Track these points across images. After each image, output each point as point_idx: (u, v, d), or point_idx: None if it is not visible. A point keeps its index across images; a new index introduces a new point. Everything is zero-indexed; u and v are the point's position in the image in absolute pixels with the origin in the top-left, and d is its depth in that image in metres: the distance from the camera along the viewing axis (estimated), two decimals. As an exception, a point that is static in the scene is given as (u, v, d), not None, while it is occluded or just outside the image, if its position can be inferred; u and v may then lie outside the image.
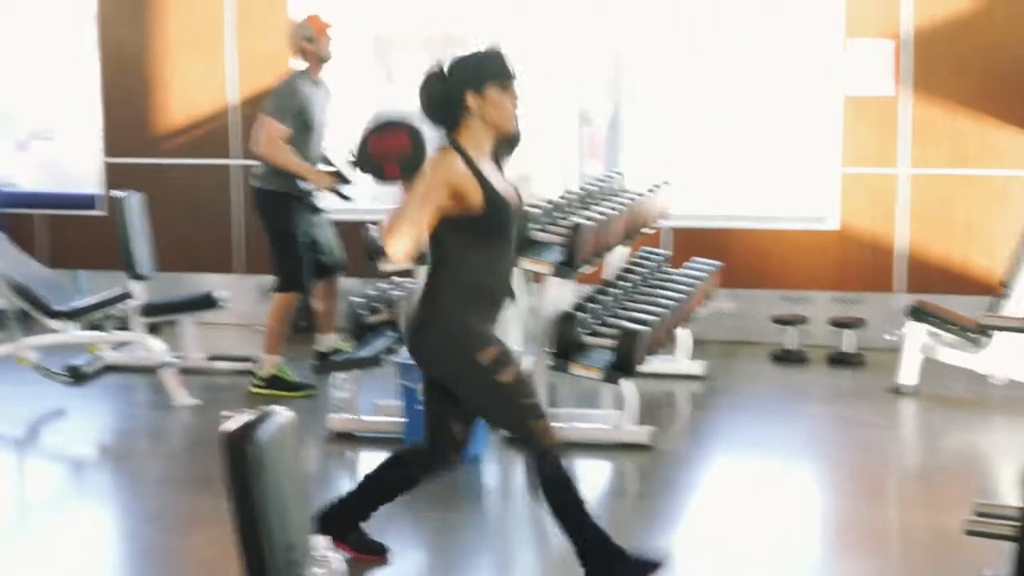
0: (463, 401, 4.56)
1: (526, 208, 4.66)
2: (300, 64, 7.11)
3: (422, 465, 4.72)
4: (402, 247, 4.28)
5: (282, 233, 7.07)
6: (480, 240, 4.44)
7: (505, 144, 4.70)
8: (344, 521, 4.74)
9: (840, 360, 7.87)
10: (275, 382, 7.12)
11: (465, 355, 4.43)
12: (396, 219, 4.30)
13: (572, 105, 7.77)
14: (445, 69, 4.44)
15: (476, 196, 4.36)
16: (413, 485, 4.77)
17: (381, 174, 4.46)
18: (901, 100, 8.05)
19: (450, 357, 4.47)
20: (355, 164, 4.62)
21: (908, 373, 7.14)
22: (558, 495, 4.49)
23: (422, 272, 6.39)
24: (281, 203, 7.03)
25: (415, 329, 4.52)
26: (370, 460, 5.85)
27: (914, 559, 5.03)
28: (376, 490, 4.78)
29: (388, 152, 4.44)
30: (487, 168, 4.45)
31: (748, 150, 8.76)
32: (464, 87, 4.40)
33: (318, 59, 7.07)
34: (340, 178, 7.05)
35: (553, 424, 4.55)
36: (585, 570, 4.49)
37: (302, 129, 6.97)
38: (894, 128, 8.07)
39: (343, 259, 7.36)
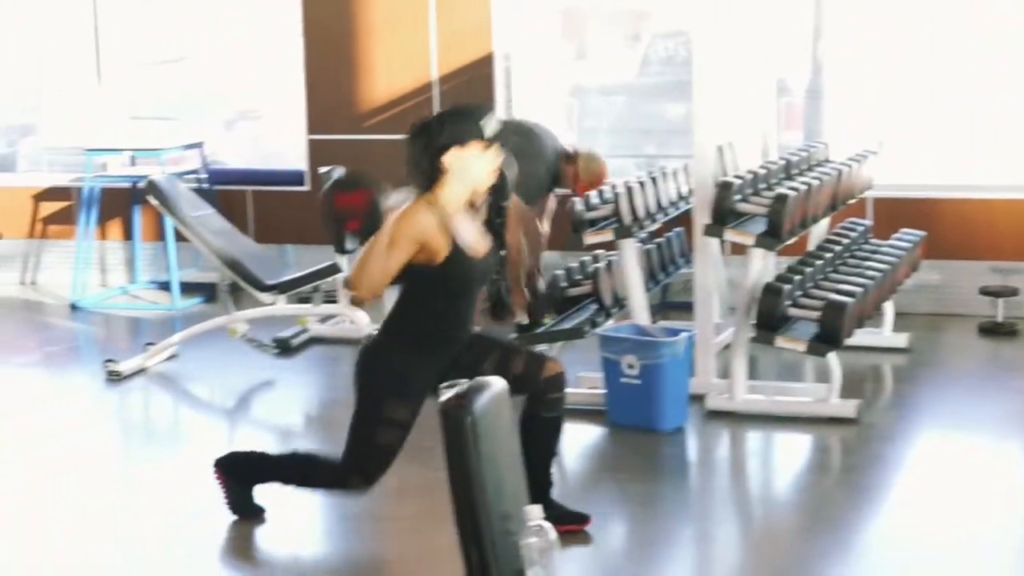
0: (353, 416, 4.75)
1: (493, 259, 4.80)
2: None
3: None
4: (370, 289, 4.52)
5: None
6: (440, 289, 4.62)
7: (498, 190, 4.79)
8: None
9: (1052, 333, 7.65)
10: None
11: (380, 392, 4.66)
12: (363, 265, 4.49)
13: (770, 75, 7.67)
14: (422, 127, 4.55)
15: (442, 251, 4.51)
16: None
17: (343, 228, 4.60)
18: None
19: (372, 383, 4.68)
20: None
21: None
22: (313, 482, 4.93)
23: (625, 244, 6.44)
24: None
25: (365, 348, 4.78)
26: (573, 432, 5.90)
27: None
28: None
29: (351, 208, 4.59)
30: (460, 222, 4.56)
31: (954, 117, 8.54)
32: (442, 146, 4.50)
33: None
34: None
35: (364, 489, 4.81)
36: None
37: None
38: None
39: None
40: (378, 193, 4.50)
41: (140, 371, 7.27)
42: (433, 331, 4.69)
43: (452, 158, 4.50)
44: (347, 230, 4.59)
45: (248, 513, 5.11)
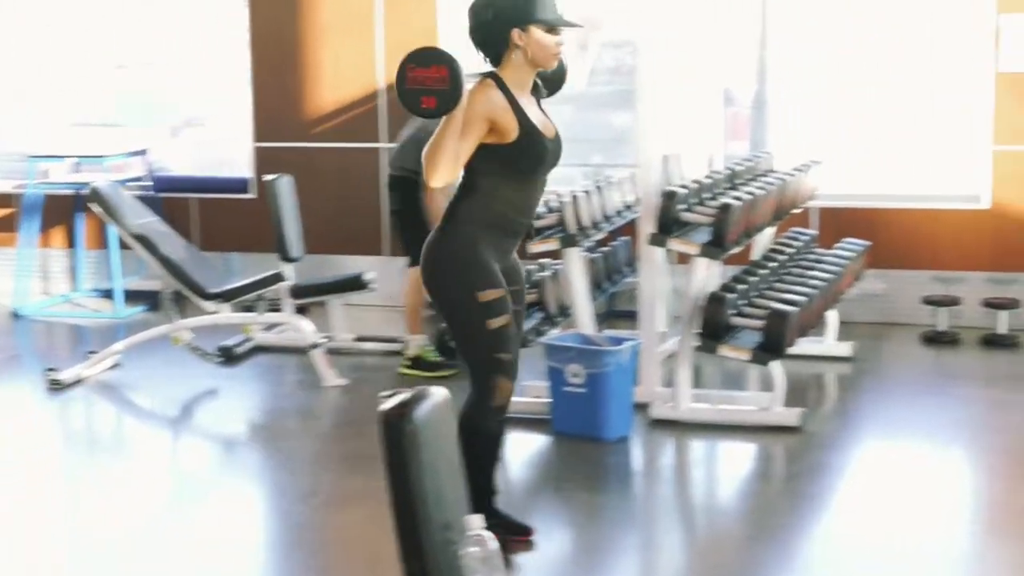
0: (446, 324, 4.63)
1: (561, 144, 4.70)
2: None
3: (481, 413, 4.65)
4: (442, 176, 4.39)
5: (405, 212, 7.14)
6: (512, 171, 4.54)
7: (553, 82, 4.76)
8: (477, 505, 4.74)
9: (993, 342, 7.71)
10: (417, 362, 7.19)
11: (466, 286, 4.52)
12: (435, 149, 4.39)
13: (716, 85, 7.70)
14: (493, 1, 4.50)
15: (513, 129, 4.47)
16: (497, 437, 4.73)
17: (417, 105, 4.47)
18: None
19: (452, 283, 4.54)
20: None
21: (1065, 355, 6.99)
22: (477, 449, 4.58)
23: (570, 253, 6.45)
24: (408, 186, 7.08)
25: (430, 248, 4.60)
26: (517, 440, 5.90)
27: (1073, 545, 4.92)
28: (475, 462, 4.68)
29: (426, 84, 4.46)
30: (525, 102, 4.54)
31: (897, 128, 8.62)
32: (510, 22, 4.48)
33: None
34: None
35: (513, 386, 4.62)
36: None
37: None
38: (1050, 105, 7.88)
39: None
40: (456, 69, 4.38)
41: (82, 380, 7.21)
42: (500, 215, 4.56)
43: (519, 34, 4.47)
44: (421, 108, 4.43)
45: (520, 531, 4.85)
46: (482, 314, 4.53)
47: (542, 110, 4.69)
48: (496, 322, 4.54)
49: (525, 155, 4.53)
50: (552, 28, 4.52)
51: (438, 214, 5.30)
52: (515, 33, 4.49)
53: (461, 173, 4.52)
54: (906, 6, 8.49)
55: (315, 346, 7.16)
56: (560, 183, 7.61)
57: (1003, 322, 7.74)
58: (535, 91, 4.67)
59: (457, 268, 4.55)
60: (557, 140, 4.66)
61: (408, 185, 7.07)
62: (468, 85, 4.49)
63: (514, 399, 5.19)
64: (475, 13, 4.55)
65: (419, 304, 7.21)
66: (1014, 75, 7.91)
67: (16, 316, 8.95)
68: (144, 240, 7.37)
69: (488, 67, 4.58)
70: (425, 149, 4.45)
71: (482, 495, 4.72)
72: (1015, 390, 6.83)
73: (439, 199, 6.59)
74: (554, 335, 6.43)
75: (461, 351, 4.73)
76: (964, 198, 8.17)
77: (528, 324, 6.43)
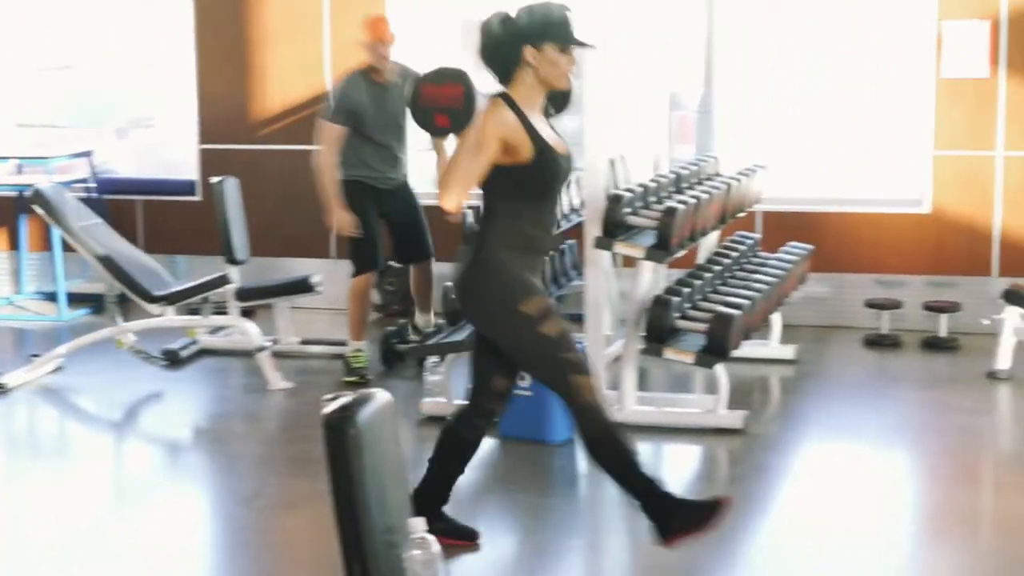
0: (505, 352, 4.60)
1: (573, 160, 4.71)
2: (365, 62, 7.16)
3: (468, 424, 4.75)
4: (455, 198, 4.39)
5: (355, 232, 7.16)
6: (529, 191, 4.52)
7: (559, 100, 4.74)
8: (427, 508, 4.73)
9: (934, 345, 7.79)
10: (346, 364, 7.18)
11: (510, 304, 4.49)
12: (450, 170, 4.39)
13: (662, 89, 7.74)
14: (507, 19, 4.49)
15: (527, 148, 4.45)
16: (470, 448, 4.79)
17: (432, 123, 4.46)
18: (998, 82, 7.94)
19: (495, 306, 4.53)
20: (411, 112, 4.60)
21: (1004, 358, 7.06)
22: (606, 451, 4.54)
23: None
24: (351, 190, 7.08)
25: (463, 278, 4.58)
26: (463, 443, 5.91)
27: (1009, 545, 4.97)
28: (440, 467, 4.81)
29: (440, 102, 4.45)
30: (537, 120, 4.52)
31: (840, 133, 8.69)
32: (523, 40, 4.46)
33: (373, 65, 7.12)
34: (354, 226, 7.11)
35: (594, 381, 4.57)
36: (650, 522, 4.52)
37: (358, 130, 7.04)
38: (990, 110, 7.97)
39: (430, 244, 7.41)
40: (471, 88, 4.35)
41: (25, 383, 7.15)
42: (524, 235, 4.52)
43: (532, 53, 4.45)
44: (435, 126, 4.40)
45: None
46: (532, 325, 4.49)
47: (552, 128, 4.66)
48: (549, 328, 4.50)
49: (541, 174, 4.50)
50: (565, 47, 4.50)
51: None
52: (528, 51, 4.45)
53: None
54: (850, 12, 8.56)
55: (261, 349, 7.14)
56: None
57: (943, 325, 7.82)
58: (544, 110, 4.66)
59: (496, 292, 4.52)
60: (569, 157, 4.64)
61: (349, 190, 7.07)
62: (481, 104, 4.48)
63: (461, 402, 5.22)
64: (488, 30, 4.51)
65: (362, 311, 7.20)
66: (955, 81, 8.00)
67: (-42, 319, 8.88)
68: (88, 243, 7.33)
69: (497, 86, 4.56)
70: (438, 171, 4.41)
71: (442, 495, 4.77)
72: (955, 392, 6.90)
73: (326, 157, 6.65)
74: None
75: (529, 370, 4.72)
76: (905, 202, 8.25)
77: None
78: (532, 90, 4.51)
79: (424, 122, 4.44)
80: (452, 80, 4.40)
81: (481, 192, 4.53)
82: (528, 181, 4.49)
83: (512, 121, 4.44)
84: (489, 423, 4.82)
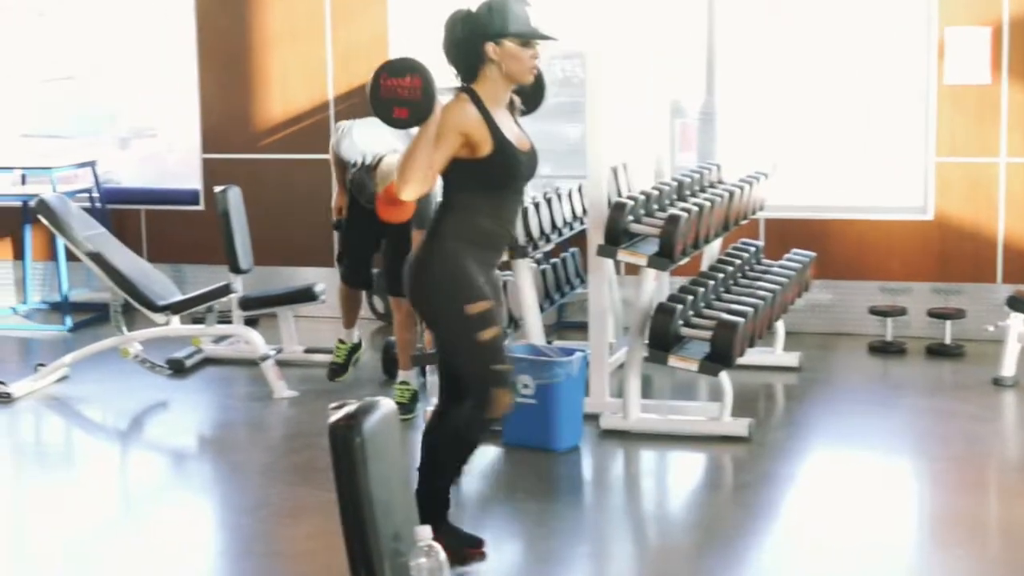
0: (436, 338, 4.65)
1: (535, 158, 4.73)
2: None
3: (475, 423, 4.70)
4: (414, 188, 4.41)
5: (339, 231, 7.22)
6: (488, 186, 4.55)
7: (531, 97, 4.77)
8: (430, 515, 4.69)
9: (939, 352, 7.79)
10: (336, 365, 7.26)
11: (456, 303, 4.52)
12: (408, 161, 4.41)
13: (664, 97, 7.75)
14: (468, 15, 4.51)
15: (487, 144, 4.48)
16: (476, 446, 4.79)
17: (390, 114, 4.48)
18: (1000, 88, 7.94)
19: (441, 299, 4.55)
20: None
21: (1009, 364, 7.06)
22: (444, 455, 4.68)
23: (519, 264, 6.47)
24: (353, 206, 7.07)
25: (414, 264, 4.61)
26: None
27: (1016, 553, 4.97)
28: (441, 469, 4.77)
29: (399, 94, 4.46)
30: (501, 117, 4.55)
31: (843, 140, 8.69)
32: (483, 36, 4.49)
33: None
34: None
35: (511, 395, 4.62)
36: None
37: None
38: (993, 116, 7.96)
39: None
40: (430, 81, 4.37)
41: (31, 393, 7.16)
42: (480, 229, 4.57)
43: (494, 48, 4.48)
44: (393, 118, 4.41)
45: (471, 543, 4.80)
46: (472, 327, 4.52)
47: (518, 125, 4.69)
48: (487, 334, 4.54)
49: (498, 169, 4.54)
50: (526, 41, 4.53)
51: None
52: (489, 47, 4.49)
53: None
54: (852, 19, 8.57)
55: (265, 358, 7.14)
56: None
57: (948, 332, 7.82)
58: (510, 107, 4.67)
59: (443, 283, 4.54)
60: (532, 153, 4.68)
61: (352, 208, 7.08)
62: (444, 99, 4.50)
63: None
64: (449, 28, 4.55)
65: (345, 313, 7.24)
66: (957, 87, 8.00)
67: (-38, 329, 8.88)
68: (93, 253, 7.33)
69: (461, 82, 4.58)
70: (398, 161, 4.46)
71: (437, 502, 4.73)
72: (960, 399, 6.90)
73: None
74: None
75: (456, 365, 4.72)
76: (909, 209, 8.25)
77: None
78: (497, 86, 4.54)
79: (383, 113, 4.45)
80: (411, 72, 4.41)
81: (441, 183, 4.57)
82: (486, 176, 4.53)
83: (474, 116, 4.48)
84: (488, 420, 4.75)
